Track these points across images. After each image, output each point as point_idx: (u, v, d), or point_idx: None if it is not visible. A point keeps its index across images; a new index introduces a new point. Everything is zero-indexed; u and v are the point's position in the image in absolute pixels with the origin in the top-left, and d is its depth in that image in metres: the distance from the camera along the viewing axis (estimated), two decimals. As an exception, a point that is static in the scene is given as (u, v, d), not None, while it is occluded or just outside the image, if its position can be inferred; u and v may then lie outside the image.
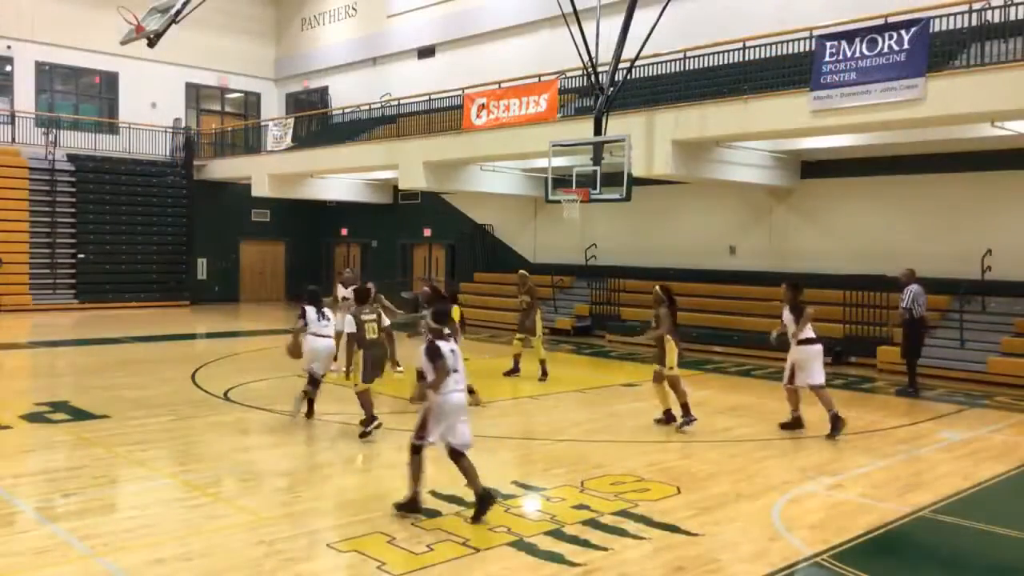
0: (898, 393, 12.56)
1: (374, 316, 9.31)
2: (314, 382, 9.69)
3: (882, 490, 7.41)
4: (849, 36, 12.81)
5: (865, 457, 8.59)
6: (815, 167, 17.45)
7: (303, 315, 9.68)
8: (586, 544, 5.83)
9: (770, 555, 5.75)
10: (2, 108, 25.40)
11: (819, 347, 9.51)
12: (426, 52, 26.26)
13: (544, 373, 12.98)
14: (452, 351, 6.43)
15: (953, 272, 15.10)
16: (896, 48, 12.25)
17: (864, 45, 12.59)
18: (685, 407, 9.60)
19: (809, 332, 9.48)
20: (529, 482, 7.44)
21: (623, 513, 6.53)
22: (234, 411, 10.44)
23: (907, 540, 6.33)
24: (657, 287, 10.00)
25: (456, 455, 6.37)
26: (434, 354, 6.31)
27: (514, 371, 13.25)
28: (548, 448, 8.87)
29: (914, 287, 12.55)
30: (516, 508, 6.70)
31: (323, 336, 9.65)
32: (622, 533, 6.08)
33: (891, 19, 12.68)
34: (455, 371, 6.38)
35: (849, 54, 12.70)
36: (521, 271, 13.90)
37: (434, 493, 6.91)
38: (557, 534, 6.03)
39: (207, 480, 7.41)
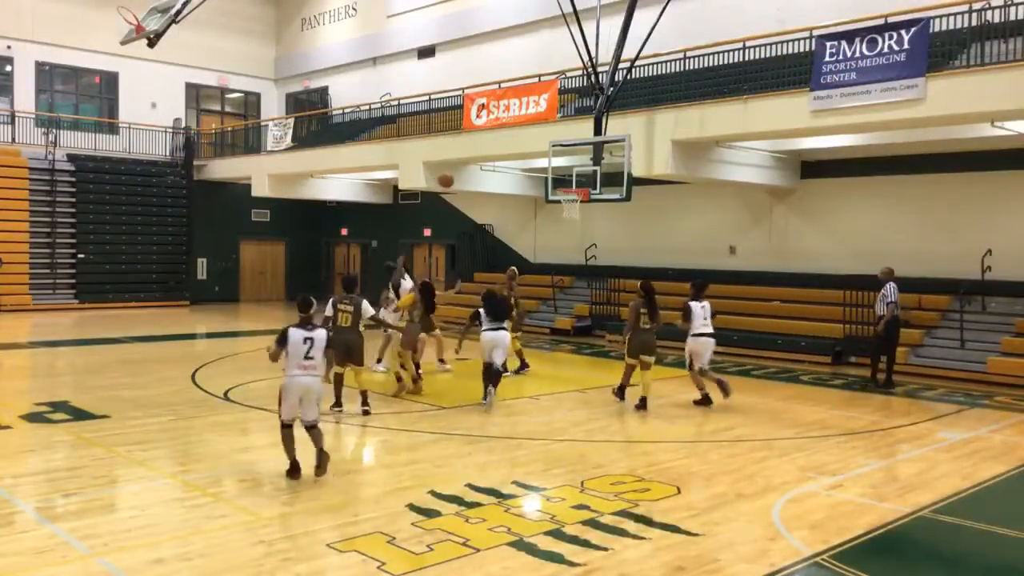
0: (863, 388, 12.92)
1: (351, 308, 10.04)
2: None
3: (882, 490, 7.41)
4: (849, 36, 12.81)
5: (865, 457, 8.59)
6: (815, 167, 17.45)
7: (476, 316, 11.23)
8: (586, 544, 5.83)
9: (770, 555, 5.75)
10: (2, 108, 25.40)
11: (713, 340, 11.18)
12: (426, 52, 26.25)
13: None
14: (308, 339, 7.21)
15: (953, 272, 15.11)
16: (896, 48, 12.25)
17: (864, 45, 12.59)
18: (621, 388, 11.21)
19: (705, 327, 11.07)
20: (529, 482, 7.43)
21: (623, 513, 6.53)
22: (234, 411, 10.43)
23: (907, 540, 6.33)
24: (639, 283, 11.14)
25: (307, 428, 7.38)
26: (279, 337, 7.28)
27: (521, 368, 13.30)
28: (548, 448, 8.87)
29: (893, 285, 12.87)
30: (516, 508, 6.70)
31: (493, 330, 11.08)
32: (622, 533, 6.08)
33: (891, 19, 12.68)
34: (308, 358, 7.20)
35: (849, 54, 12.69)
36: (511, 267, 14.09)
37: (433, 493, 6.92)
38: (557, 534, 6.03)
39: (207, 480, 7.40)
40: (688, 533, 6.12)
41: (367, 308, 10.22)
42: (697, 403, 11.10)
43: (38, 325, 20.74)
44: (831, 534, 6.16)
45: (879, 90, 12.33)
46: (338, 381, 10.25)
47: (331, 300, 10.34)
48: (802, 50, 14.59)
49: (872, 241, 16.46)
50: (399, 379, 11.50)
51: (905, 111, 12.18)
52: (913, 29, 12.14)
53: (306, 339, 7.21)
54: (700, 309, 11.06)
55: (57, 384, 13.04)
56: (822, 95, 12.92)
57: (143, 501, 6.88)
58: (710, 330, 11.10)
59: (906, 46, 12.14)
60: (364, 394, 10.19)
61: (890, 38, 12.34)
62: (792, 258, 17.79)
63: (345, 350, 9.94)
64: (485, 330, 11.08)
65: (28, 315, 22.42)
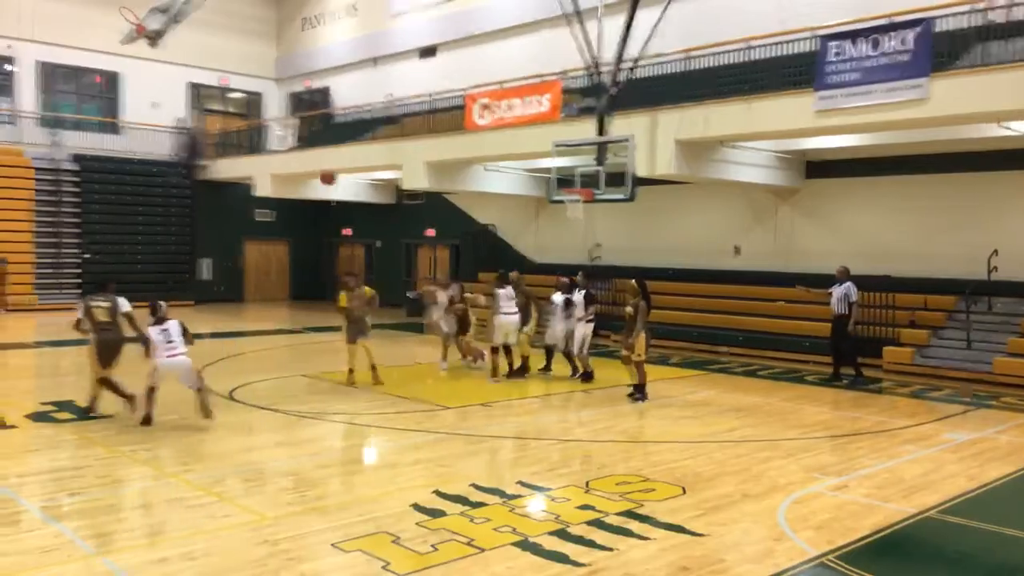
0: (848, 386, 13.12)
1: (108, 304, 10.10)
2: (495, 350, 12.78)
3: (888, 491, 7.39)
4: (853, 36, 12.78)
5: (871, 458, 8.57)
6: (819, 167, 17.42)
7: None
8: (591, 544, 5.82)
9: (775, 555, 5.73)
10: (4, 108, 25.43)
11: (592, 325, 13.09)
12: (428, 52, 26.25)
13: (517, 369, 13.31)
14: (164, 331, 9.27)
15: (959, 272, 15.06)
16: (900, 48, 12.22)
17: (868, 45, 12.57)
18: (641, 387, 11.35)
19: (589, 314, 12.91)
20: (534, 482, 7.42)
21: (628, 513, 6.52)
22: (238, 411, 10.43)
23: (913, 541, 6.31)
24: (633, 281, 11.52)
25: (197, 390, 9.39)
26: (143, 340, 9.43)
27: (524, 370, 13.27)
28: (553, 448, 8.86)
29: (850, 283, 13.28)
30: (521, 508, 6.68)
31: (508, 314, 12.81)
32: (627, 533, 6.06)
33: (895, 19, 12.65)
34: (169, 342, 9.23)
35: (853, 54, 12.66)
36: (514, 271, 14.18)
37: (438, 492, 6.91)
38: (562, 534, 6.02)
39: (211, 480, 7.40)
40: (693, 533, 6.11)
41: (123, 303, 10.07)
42: (542, 370, 13.38)
43: (43, 324, 20.74)
44: (836, 535, 6.14)
45: (883, 90, 12.29)
46: (109, 384, 9.86)
47: (83, 302, 10.03)
48: (806, 50, 14.56)
49: (877, 241, 16.41)
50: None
51: (909, 111, 12.14)
52: (917, 29, 12.10)
53: (162, 331, 9.24)
54: (560, 300, 12.89)
55: (62, 384, 13.03)
56: (826, 95, 12.88)
57: (147, 500, 6.88)
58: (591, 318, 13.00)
59: (910, 46, 12.10)
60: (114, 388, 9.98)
61: (894, 38, 12.31)
62: (797, 258, 17.75)
63: (114, 349, 9.87)
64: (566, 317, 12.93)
65: (33, 315, 22.44)
